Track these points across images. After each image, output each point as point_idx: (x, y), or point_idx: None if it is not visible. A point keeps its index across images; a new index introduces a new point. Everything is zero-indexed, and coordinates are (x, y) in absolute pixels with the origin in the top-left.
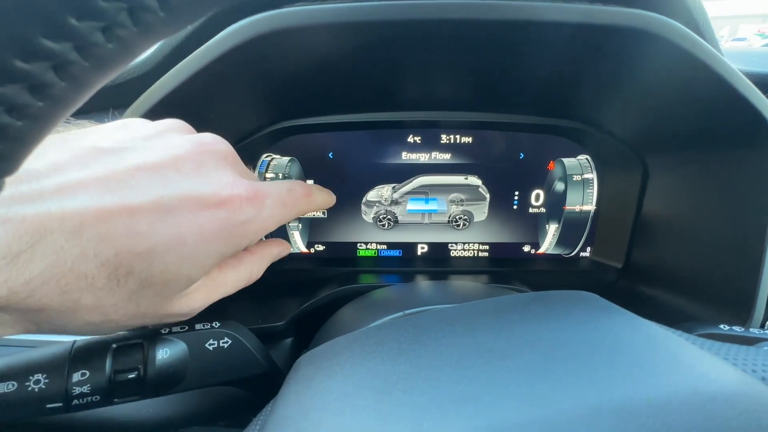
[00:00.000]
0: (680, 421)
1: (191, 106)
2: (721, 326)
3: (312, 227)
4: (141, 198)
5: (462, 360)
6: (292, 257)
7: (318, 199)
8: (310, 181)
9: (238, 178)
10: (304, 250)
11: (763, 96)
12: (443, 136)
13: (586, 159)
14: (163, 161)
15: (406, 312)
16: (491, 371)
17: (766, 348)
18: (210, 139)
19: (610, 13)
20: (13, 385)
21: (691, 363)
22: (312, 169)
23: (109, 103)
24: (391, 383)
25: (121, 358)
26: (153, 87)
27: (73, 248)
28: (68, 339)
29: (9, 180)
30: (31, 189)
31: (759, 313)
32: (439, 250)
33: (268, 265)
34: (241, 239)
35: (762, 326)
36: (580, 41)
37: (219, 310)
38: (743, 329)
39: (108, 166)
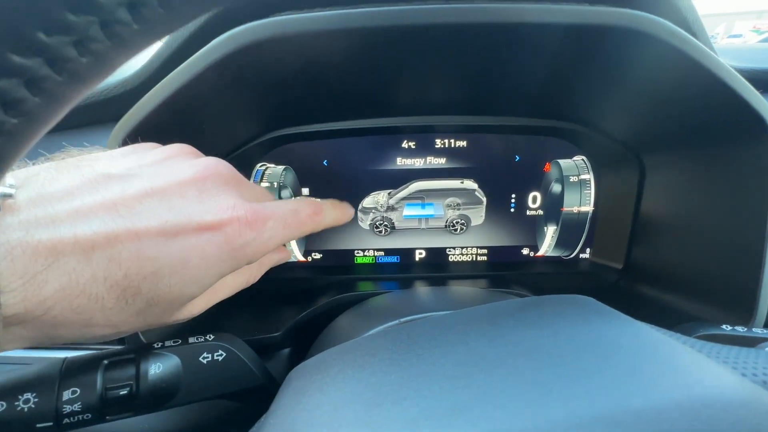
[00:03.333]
0: (675, 430)
1: (183, 117)
2: (724, 326)
3: (309, 235)
4: (147, 222)
5: (454, 369)
6: (289, 266)
7: (329, 217)
8: (305, 191)
9: (240, 201)
10: (302, 258)
11: (756, 91)
12: (438, 141)
13: (582, 159)
14: (168, 187)
15: (402, 320)
16: (483, 380)
17: (767, 349)
18: (213, 163)
19: (599, 13)
20: (2, 405)
21: (687, 368)
22: (307, 178)
23: (103, 117)
24: (381, 395)
25: (112, 374)
26: (142, 100)
27: (85, 270)
28: (59, 355)
29: (26, 204)
30: (46, 213)
31: (762, 312)
32: (437, 255)
33: (267, 269)
34: (240, 260)
35: (766, 325)
36: (571, 42)
37: (214, 322)
38: (746, 329)
39: (117, 192)
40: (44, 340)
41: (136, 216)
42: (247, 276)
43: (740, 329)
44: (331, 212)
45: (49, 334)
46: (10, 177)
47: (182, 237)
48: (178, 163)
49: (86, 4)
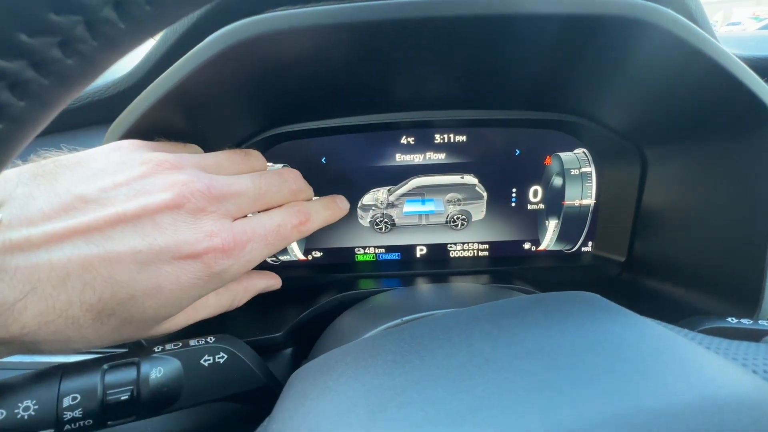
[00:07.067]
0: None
1: (179, 116)
2: (729, 319)
3: (309, 234)
4: (120, 249)
5: (458, 371)
6: (290, 265)
7: (317, 222)
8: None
9: (218, 226)
10: (302, 257)
11: (760, 80)
12: (437, 136)
13: (583, 152)
14: (142, 213)
15: (404, 319)
16: (488, 383)
17: None
18: (189, 181)
19: (599, 3)
20: (1, 413)
21: (698, 367)
22: (305, 175)
23: (97, 118)
24: (385, 399)
25: (112, 379)
26: (137, 99)
27: (60, 295)
28: (58, 360)
29: (5, 226)
30: (21, 237)
31: (767, 304)
32: (438, 251)
33: (253, 296)
34: (218, 284)
35: None
36: (570, 33)
37: (215, 324)
38: (752, 322)
39: (90, 217)
40: (24, 353)
41: (109, 242)
42: (231, 299)
43: (746, 322)
44: (321, 215)
45: (30, 348)
46: None
47: (155, 264)
48: (153, 183)
49: (71, 4)
